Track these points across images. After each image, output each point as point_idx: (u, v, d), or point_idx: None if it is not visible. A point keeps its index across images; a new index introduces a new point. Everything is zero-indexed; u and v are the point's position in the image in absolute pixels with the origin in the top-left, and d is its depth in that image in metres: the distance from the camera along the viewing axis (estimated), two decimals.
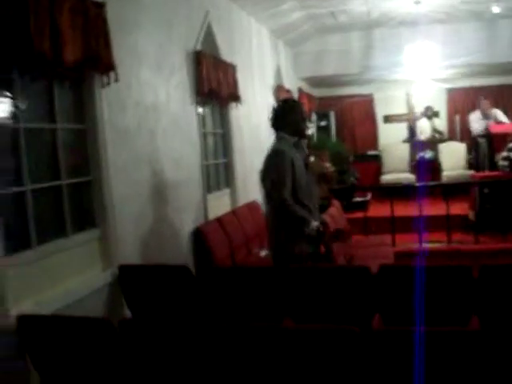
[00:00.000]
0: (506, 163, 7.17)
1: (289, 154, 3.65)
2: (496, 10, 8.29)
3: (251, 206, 6.76)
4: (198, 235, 5.07)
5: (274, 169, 3.67)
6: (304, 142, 4.00)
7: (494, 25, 9.40)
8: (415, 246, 6.48)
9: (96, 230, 3.68)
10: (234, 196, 6.53)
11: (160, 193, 4.48)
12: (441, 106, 12.70)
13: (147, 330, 2.57)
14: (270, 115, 3.90)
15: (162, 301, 3.46)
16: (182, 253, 4.83)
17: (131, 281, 3.63)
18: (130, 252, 3.91)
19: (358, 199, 8.86)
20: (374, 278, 3.22)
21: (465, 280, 3.12)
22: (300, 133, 3.85)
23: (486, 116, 9.23)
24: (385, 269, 3.27)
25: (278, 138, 3.80)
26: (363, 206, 8.48)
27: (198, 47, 5.37)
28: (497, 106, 9.85)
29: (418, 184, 8.90)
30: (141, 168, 4.18)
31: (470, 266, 3.17)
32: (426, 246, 6.61)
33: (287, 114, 3.80)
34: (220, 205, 6.04)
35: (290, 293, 3.32)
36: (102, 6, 3.43)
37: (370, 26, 9.41)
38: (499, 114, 9.39)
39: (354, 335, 2.34)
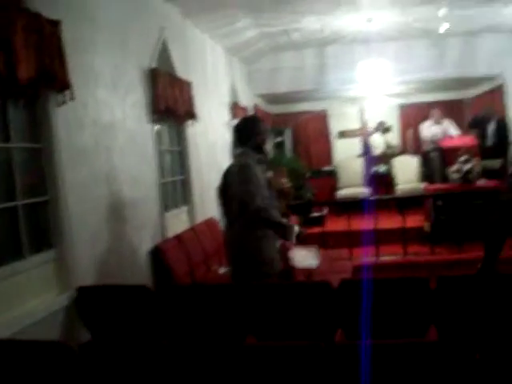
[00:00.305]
0: (457, 176, 7.35)
1: (254, 168, 3.69)
2: (444, 28, 8.55)
3: (209, 223, 6.74)
4: (157, 253, 5.02)
5: (243, 181, 3.66)
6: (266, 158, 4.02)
7: (443, 42, 9.70)
8: (372, 259, 6.58)
9: (53, 251, 3.61)
10: (191, 213, 6.50)
11: (118, 211, 4.42)
12: (393, 121, 13.00)
13: (108, 353, 2.52)
14: (234, 131, 3.93)
15: (121, 322, 3.40)
16: (140, 271, 4.77)
17: (90, 302, 3.57)
18: (87, 272, 3.84)
19: (315, 214, 8.93)
20: (335, 293, 3.24)
21: (422, 291, 3.18)
22: (263, 149, 3.88)
23: (437, 122, 9.46)
24: (345, 283, 3.30)
25: (242, 154, 3.82)
26: (320, 221, 8.55)
27: (154, 64, 5.35)
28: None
29: (372, 198, 9.04)
30: (98, 187, 4.13)
31: (427, 277, 3.23)
32: (383, 258, 6.71)
33: (251, 130, 3.84)
34: (178, 222, 6.01)
35: (252, 310, 3.31)
36: (56, 24, 3.39)
37: (323, 43, 9.57)
38: (450, 126, 9.62)
39: (318, 350, 2.35)
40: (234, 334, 3.24)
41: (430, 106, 12.51)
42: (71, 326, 3.53)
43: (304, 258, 3.96)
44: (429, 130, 9.46)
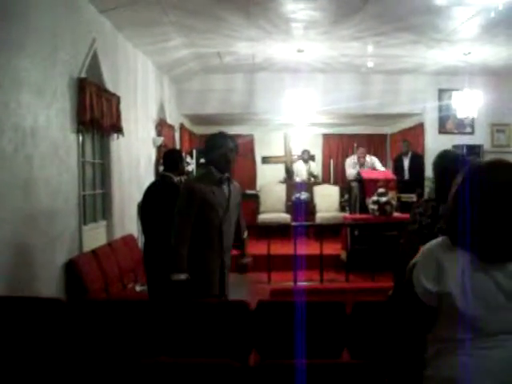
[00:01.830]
0: (375, 207, 7.61)
1: (199, 191, 3.62)
2: (370, 64, 8.91)
3: (127, 240, 6.62)
4: (72, 267, 4.87)
5: (180, 198, 3.67)
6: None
7: (367, 78, 10.11)
8: (290, 284, 6.66)
9: None
10: (110, 228, 6.36)
11: (33, 221, 4.27)
12: (317, 150, 13.32)
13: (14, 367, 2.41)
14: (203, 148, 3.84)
15: (31, 335, 3.26)
16: (54, 285, 4.61)
17: None
18: None
19: None
20: (252, 314, 3.25)
21: (338, 315, 3.25)
22: (227, 168, 3.76)
23: (360, 163, 9.82)
24: (262, 304, 3.33)
25: (203, 172, 3.76)
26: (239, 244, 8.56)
27: (83, 74, 5.26)
28: (368, 153, 10.49)
29: (293, 224, 9.17)
30: (14, 194, 3.97)
31: (344, 302, 3.31)
32: (301, 284, 6.80)
33: (217, 149, 3.71)
34: (96, 237, 5.87)
35: (168, 328, 3.27)
36: None
37: (254, 69, 9.73)
38: (376, 162, 10.03)
39: (232, 370, 2.35)
40: (147, 351, 3.18)
41: (352, 138, 13.00)
42: None
43: None
44: (353, 169, 9.79)
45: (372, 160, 10.11)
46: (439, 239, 1.78)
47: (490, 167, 1.72)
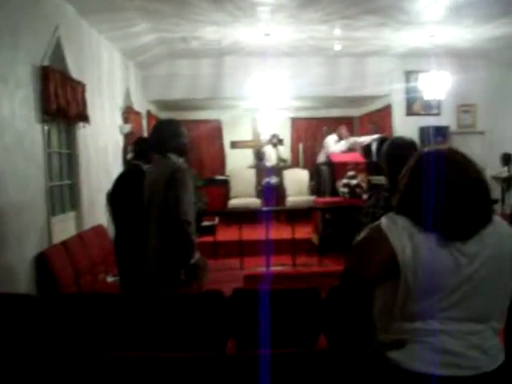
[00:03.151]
0: (345, 190, 7.64)
1: (188, 174, 3.53)
2: (337, 47, 8.89)
3: (97, 230, 6.53)
4: (42, 260, 4.79)
5: (174, 187, 3.42)
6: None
7: (335, 61, 10.11)
8: (263, 269, 6.66)
9: None
10: (79, 219, 6.26)
11: (0, 214, 4.17)
12: (285, 134, 13.30)
13: None
14: (153, 137, 3.70)
15: (2, 333, 3.19)
16: (23, 279, 4.52)
17: None
18: None
19: (206, 223, 8.91)
20: (227, 302, 3.23)
21: (313, 301, 3.25)
22: (186, 154, 3.70)
23: (345, 138, 9.75)
24: (238, 292, 3.31)
25: (165, 159, 3.58)
26: (211, 230, 8.55)
27: (46, 62, 5.12)
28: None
29: (264, 209, 9.16)
30: None
31: (319, 287, 3.31)
32: (274, 269, 6.81)
33: (175, 137, 3.60)
34: (65, 228, 5.77)
35: (142, 320, 3.23)
36: None
37: (220, 53, 9.62)
38: (357, 138, 9.94)
39: (210, 361, 2.33)
40: (122, 344, 3.14)
41: (321, 121, 13.01)
42: None
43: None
44: (337, 145, 9.70)
45: (355, 139, 10.00)
46: (387, 218, 1.78)
47: (441, 155, 1.75)
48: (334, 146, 9.76)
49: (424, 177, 1.70)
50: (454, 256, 1.66)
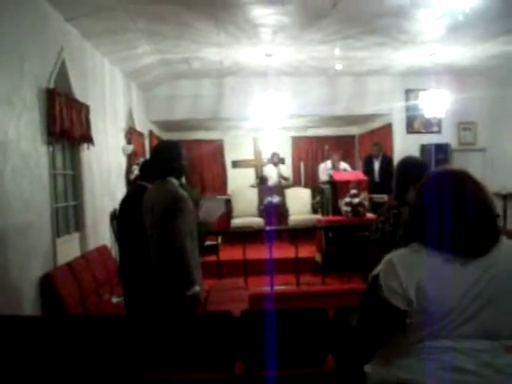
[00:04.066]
0: (348, 208, 7.65)
1: (188, 200, 3.52)
2: (338, 67, 8.97)
3: (101, 251, 6.54)
4: (47, 281, 4.79)
5: (174, 215, 3.41)
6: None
7: (335, 81, 10.20)
8: (267, 288, 6.65)
9: None
10: (83, 240, 6.27)
11: (6, 236, 4.18)
12: (287, 153, 13.36)
13: None
14: (153, 159, 3.69)
15: (9, 355, 3.18)
16: (29, 300, 4.51)
17: None
18: None
19: (209, 243, 8.90)
20: (236, 323, 3.23)
21: (321, 321, 3.25)
22: (183, 176, 3.71)
23: (334, 168, 9.86)
24: (246, 314, 3.31)
25: (166, 183, 3.58)
26: (215, 249, 8.53)
27: (51, 85, 5.17)
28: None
29: (267, 228, 9.17)
30: None
31: (326, 307, 3.31)
32: (278, 288, 6.81)
33: (175, 160, 3.61)
34: (69, 249, 5.77)
35: (151, 341, 3.22)
36: None
37: (222, 74, 9.71)
38: (347, 168, 10.12)
39: (220, 383, 2.33)
40: (131, 367, 3.13)
41: (321, 140, 13.07)
42: None
43: (212, 209, 3.82)
44: (326, 173, 9.80)
45: (343, 166, 10.16)
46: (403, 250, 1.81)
47: (451, 175, 1.80)
48: (324, 176, 9.85)
49: (434, 196, 1.75)
50: (465, 275, 1.69)
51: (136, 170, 7.67)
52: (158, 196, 3.58)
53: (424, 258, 1.72)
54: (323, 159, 11.09)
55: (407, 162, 3.21)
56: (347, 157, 11.79)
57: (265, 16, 6.33)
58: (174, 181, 3.60)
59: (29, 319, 3.38)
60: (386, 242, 2.90)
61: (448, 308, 1.67)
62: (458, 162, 10.20)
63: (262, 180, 11.83)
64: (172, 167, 3.61)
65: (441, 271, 1.70)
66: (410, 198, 1.91)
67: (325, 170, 10.02)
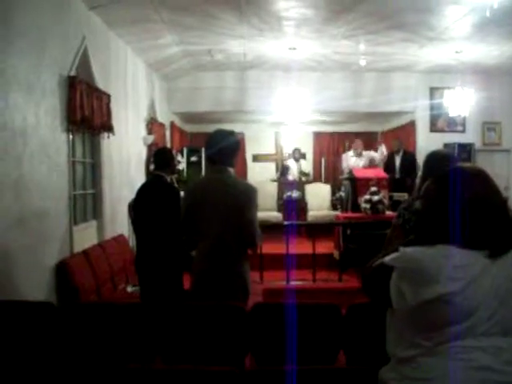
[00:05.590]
0: (368, 205, 7.57)
1: None
2: (363, 63, 8.87)
3: (118, 240, 6.56)
4: (63, 269, 4.81)
5: (253, 206, 3.55)
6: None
7: (359, 76, 10.09)
8: (283, 283, 6.61)
9: None
10: (100, 228, 6.29)
11: (24, 222, 4.20)
12: (308, 149, 13.28)
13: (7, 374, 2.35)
14: (222, 150, 3.50)
15: (21, 341, 3.19)
16: (43, 287, 4.54)
17: None
18: None
19: None
20: (248, 316, 3.20)
21: (334, 318, 3.21)
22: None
23: (357, 154, 9.74)
24: (258, 307, 3.27)
25: (230, 172, 3.54)
26: None
27: (73, 72, 5.18)
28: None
29: (286, 223, 9.12)
30: (3, 194, 3.89)
31: (338, 304, 3.27)
32: (293, 283, 6.76)
33: (236, 151, 3.59)
34: (86, 237, 5.79)
35: (163, 331, 3.21)
36: None
37: (245, 66, 9.67)
38: (375, 156, 9.91)
39: (231, 376, 2.30)
40: (141, 356, 3.12)
41: (343, 136, 12.97)
42: None
43: None
44: (349, 161, 9.69)
45: (371, 154, 9.93)
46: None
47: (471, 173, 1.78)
48: (346, 161, 9.73)
49: (447, 193, 1.72)
50: (486, 274, 1.66)
51: None
52: (236, 184, 3.54)
53: (447, 259, 1.68)
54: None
55: (434, 156, 3.26)
56: None
57: (289, 9, 6.27)
58: (232, 171, 3.56)
59: (41, 305, 3.38)
60: (405, 227, 3.06)
61: (472, 308, 1.64)
62: (481, 163, 10.02)
63: (283, 171, 11.78)
64: (228, 159, 3.54)
65: (466, 271, 1.66)
66: (423, 187, 1.90)
67: (348, 157, 9.88)
